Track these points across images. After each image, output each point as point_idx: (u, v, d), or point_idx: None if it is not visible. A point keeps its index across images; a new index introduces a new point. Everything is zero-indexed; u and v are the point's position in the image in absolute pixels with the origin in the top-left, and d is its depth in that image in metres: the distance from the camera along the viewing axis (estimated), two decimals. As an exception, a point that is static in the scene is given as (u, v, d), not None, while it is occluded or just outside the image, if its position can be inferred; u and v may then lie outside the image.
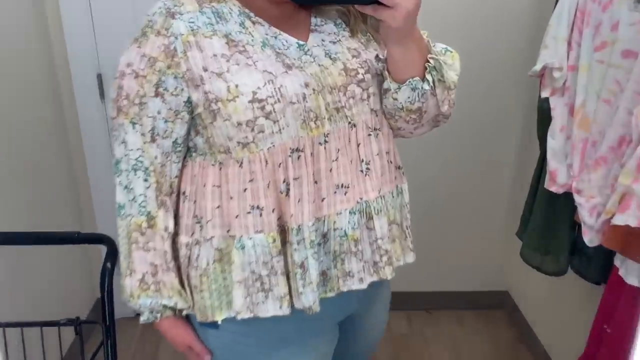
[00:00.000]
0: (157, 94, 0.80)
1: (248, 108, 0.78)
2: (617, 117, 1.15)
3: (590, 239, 1.20)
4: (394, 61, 0.84)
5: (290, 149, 0.81)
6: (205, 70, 0.79)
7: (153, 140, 0.82)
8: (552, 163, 1.40)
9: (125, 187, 0.84)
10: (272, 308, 0.84)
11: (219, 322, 0.86)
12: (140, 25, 0.81)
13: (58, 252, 1.61)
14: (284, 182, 0.82)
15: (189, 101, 0.81)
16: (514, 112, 1.93)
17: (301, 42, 0.85)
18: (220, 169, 0.84)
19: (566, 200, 1.39)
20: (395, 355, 1.95)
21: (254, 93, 0.78)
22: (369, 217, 0.88)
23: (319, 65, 0.84)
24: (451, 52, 0.91)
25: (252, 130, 0.80)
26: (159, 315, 0.86)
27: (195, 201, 0.86)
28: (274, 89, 0.79)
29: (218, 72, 0.79)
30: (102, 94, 1.83)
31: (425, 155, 1.96)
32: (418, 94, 0.86)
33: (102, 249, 0.89)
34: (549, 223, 1.47)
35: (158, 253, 0.85)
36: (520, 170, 1.96)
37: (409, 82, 0.85)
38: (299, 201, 0.82)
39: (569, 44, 1.33)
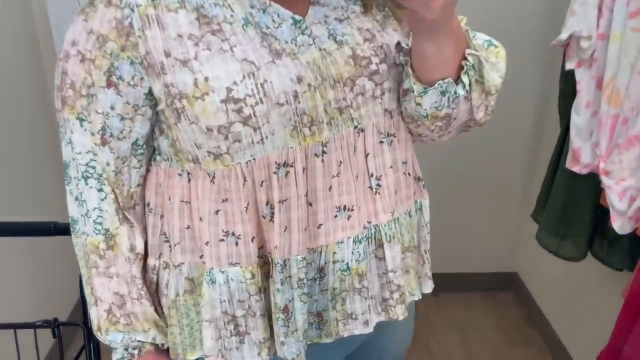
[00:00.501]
0: (109, 84, 0.61)
1: (220, 110, 0.59)
2: (654, 92, 1.05)
3: (620, 225, 1.10)
4: (423, 58, 0.64)
5: (275, 163, 0.63)
6: (168, 55, 0.60)
7: (104, 142, 0.64)
8: (576, 141, 1.29)
9: (77, 198, 0.67)
10: (249, 355, 0.70)
11: None
12: None
13: (36, 245, 1.45)
14: (267, 204, 0.65)
15: (150, 93, 0.62)
16: (531, 86, 1.81)
17: (298, 17, 0.64)
18: (189, 180, 0.66)
19: (589, 182, 1.29)
20: (400, 340, 1.89)
21: (229, 90, 0.59)
22: (379, 244, 0.71)
23: (320, 49, 0.64)
24: (496, 46, 0.70)
25: (226, 138, 0.61)
26: (136, 352, 0.70)
27: (162, 216, 0.70)
28: (256, 85, 0.60)
29: (183, 60, 0.60)
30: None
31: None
32: (449, 98, 0.67)
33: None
34: (569, 205, 1.37)
35: (123, 279, 0.68)
36: (535, 149, 1.86)
37: (439, 84, 0.65)
38: (285, 229, 0.65)
39: (600, 9, 1.20)
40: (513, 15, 1.70)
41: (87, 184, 0.66)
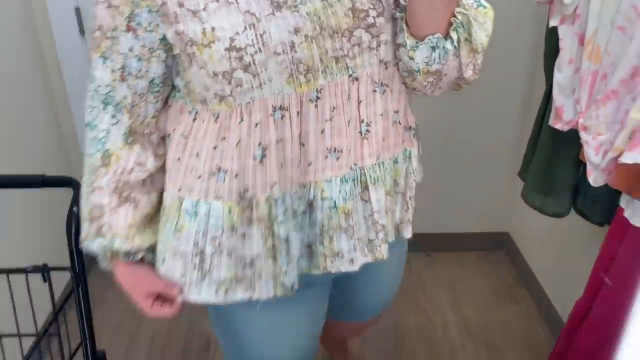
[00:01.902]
0: (128, 29, 0.70)
1: (224, 57, 0.67)
2: (632, 47, 1.05)
3: (594, 178, 1.13)
4: (416, 14, 0.70)
5: (272, 106, 0.70)
6: (181, 6, 0.67)
7: (123, 79, 0.73)
8: (559, 98, 1.30)
9: (88, 124, 0.76)
10: (206, 292, 0.76)
11: None
12: None
13: (28, 198, 1.51)
14: (259, 145, 0.71)
15: (165, 38, 0.70)
16: (522, 46, 1.81)
17: None
18: (195, 119, 0.75)
19: (571, 139, 1.31)
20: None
21: (232, 40, 0.66)
22: (364, 187, 0.77)
23: (324, 2, 0.69)
24: (485, 7, 0.74)
25: (229, 83, 0.69)
26: (101, 256, 0.78)
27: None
28: (255, 35, 0.66)
29: (194, 10, 0.66)
30: (81, 30, 1.72)
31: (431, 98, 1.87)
32: (439, 54, 0.73)
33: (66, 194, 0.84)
34: (552, 162, 1.40)
35: (107, 190, 0.76)
36: (526, 109, 1.87)
37: (429, 39, 0.71)
38: (282, 166, 0.72)
39: (583, -35, 1.21)
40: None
41: (104, 109, 0.75)
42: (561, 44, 1.28)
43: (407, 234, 0.88)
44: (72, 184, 0.82)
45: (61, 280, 0.89)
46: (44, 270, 0.80)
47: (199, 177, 0.74)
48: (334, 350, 1.60)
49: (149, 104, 0.76)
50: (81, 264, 0.80)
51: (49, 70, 1.77)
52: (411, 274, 2.06)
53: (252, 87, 0.69)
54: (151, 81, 0.74)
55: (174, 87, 0.77)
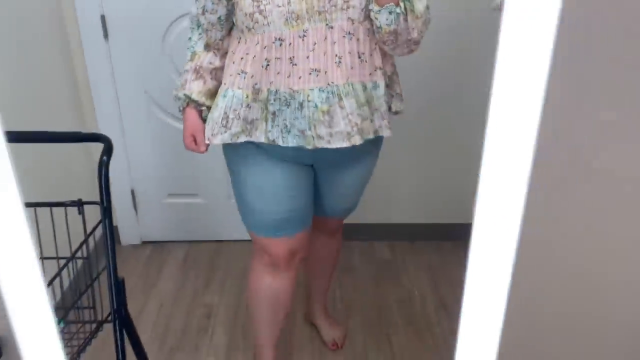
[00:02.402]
0: None
1: (250, 5, 1.11)
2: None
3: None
4: None
5: (274, 37, 1.12)
6: None
7: (203, 13, 1.19)
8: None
9: (189, 37, 1.29)
10: (228, 137, 1.21)
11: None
12: None
13: (62, 151, 1.80)
14: (265, 59, 1.14)
15: None
16: (485, 43, 2.03)
17: None
18: (238, 42, 1.19)
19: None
20: (378, 277, 2.14)
21: None
22: (340, 98, 1.14)
23: None
24: None
25: (252, 20, 1.12)
26: (181, 102, 1.28)
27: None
28: None
29: None
30: (105, 35, 1.97)
31: (413, 89, 2.09)
32: (394, 17, 1.10)
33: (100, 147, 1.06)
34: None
35: (191, 71, 1.27)
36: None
37: (387, 6, 1.10)
38: (278, 73, 1.13)
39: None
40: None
41: (196, 29, 1.27)
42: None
43: (386, 133, 1.24)
44: (103, 139, 1.05)
45: (92, 216, 1.11)
46: (79, 204, 1.02)
47: (231, 75, 1.19)
48: (315, 318, 1.81)
49: (217, 31, 1.22)
50: (108, 200, 1.02)
51: (76, 71, 2.03)
52: (396, 259, 2.26)
53: (263, 24, 1.11)
54: (219, 17, 1.19)
55: (234, 24, 1.20)
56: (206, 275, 2.16)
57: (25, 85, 1.69)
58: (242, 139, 1.21)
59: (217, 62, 1.26)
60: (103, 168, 1.00)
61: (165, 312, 1.96)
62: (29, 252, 0.31)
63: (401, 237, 2.35)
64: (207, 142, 1.25)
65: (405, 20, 1.10)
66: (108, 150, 1.01)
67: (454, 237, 2.33)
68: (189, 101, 1.26)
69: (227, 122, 1.20)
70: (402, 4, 1.09)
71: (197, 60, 1.26)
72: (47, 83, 1.84)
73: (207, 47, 1.26)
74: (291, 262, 1.39)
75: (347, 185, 1.40)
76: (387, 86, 1.26)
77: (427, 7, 1.13)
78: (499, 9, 1.52)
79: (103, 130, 2.01)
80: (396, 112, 1.31)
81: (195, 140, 1.29)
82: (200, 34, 1.26)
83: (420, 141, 2.20)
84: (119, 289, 1.05)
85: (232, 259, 2.23)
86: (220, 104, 1.21)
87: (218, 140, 1.22)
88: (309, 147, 1.16)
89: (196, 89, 1.26)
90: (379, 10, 1.10)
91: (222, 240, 2.31)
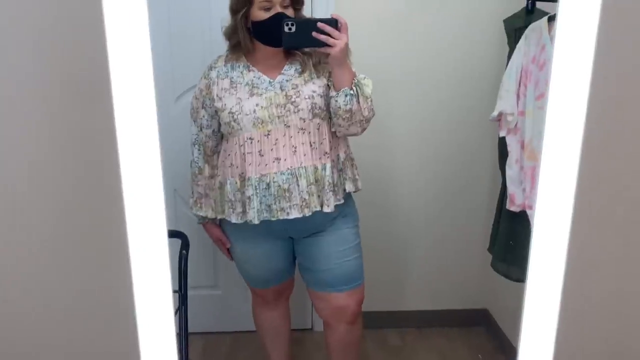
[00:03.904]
0: (203, 107, 1.58)
1: (227, 116, 1.49)
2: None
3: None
4: (336, 77, 1.46)
5: (247, 137, 1.49)
6: (217, 95, 1.53)
7: (201, 129, 1.60)
8: (511, 188, 1.76)
9: (192, 153, 1.66)
10: (234, 218, 1.54)
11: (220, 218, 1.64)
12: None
13: None
14: (243, 153, 1.49)
15: (215, 111, 1.54)
16: (484, 150, 2.30)
17: (271, 80, 1.51)
18: (227, 142, 1.55)
19: (524, 218, 1.74)
20: (391, 365, 2.23)
21: (230, 108, 1.49)
22: (296, 178, 1.48)
23: (275, 92, 1.49)
24: (367, 79, 1.51)
25: (229, 127, 1.50)
26: (201, 220, 1.68)
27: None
28: (240, 107, 1.48)
29: (220, 97, 1.52)
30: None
31: (414, 190, 2.32)
32: (349, 98, 1.44)
33: (178, 242, 1.22)
34: (512, 237, 1.81)
35: (202, 187, 1.65)
36: (491, 200, 2.31)
37: (344, 90, 1.45)
38: (250, 164, 1.49)
39: (518, 95, 1.72)
40: (469, 100, 2.23)
41: (195, 147, 1.65)
42: (509, 149, 1.76)
43: (327, 209, 1.52)
44: (181, 236, 1.21)
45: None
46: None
47: (226, 167, 1.54)
48: None
49: (213, 141, 1.62)
50: (186, 288, 1.16)
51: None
52: (407, 345, 2.37)
53: (237, 129, 1.49)
54: (213, 130, 1.60)
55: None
56: (226, 366, 2.22)
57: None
58: (233, 219, 1.54)
59: (210, 171, 1.65)
60: (183, 260, 1.15)
61: None
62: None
63: (410, 324, 2.47)
64: (227, 218, 1.59)
65: (358, 101, 1.45)
66: (186, 245, 1.17)
67: (461, 323, 2.47)
68: (207, 220, 1.67)
69: (232, 203, 1.53)
70: (354, 88, 1.45)
71: (204, 173, 1.64)
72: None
73: (205, 158, 1.64)
74: (279, 300, 1.85)
75: (327, 252, 1.62)
76: (341, 170, 1.58)
77: (371, 94, 1.49)
78: (495, 119, 1.78)
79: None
80: (351, 192, 1.63)
81: (222, 243, 1.69)
82: (199, 149, 1.63)
83: (422, 234, 2.39)
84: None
85: (251, 348, 2.30)
86: (226, 191, 1.55)
87: (232, 219, 1.54)
88: (273, 218, 1.50)
89: (210, 210, 1.64)
90: (337, 94, 1.45)
91: (240, 331, 2.39)
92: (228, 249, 1.72)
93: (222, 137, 1.61)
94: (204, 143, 1.61)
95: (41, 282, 0.76)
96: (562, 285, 0.90)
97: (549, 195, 0.86)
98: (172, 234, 1.25)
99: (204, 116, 1.57)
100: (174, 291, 1.15)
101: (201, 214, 1.66)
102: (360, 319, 1.76)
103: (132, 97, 0.63)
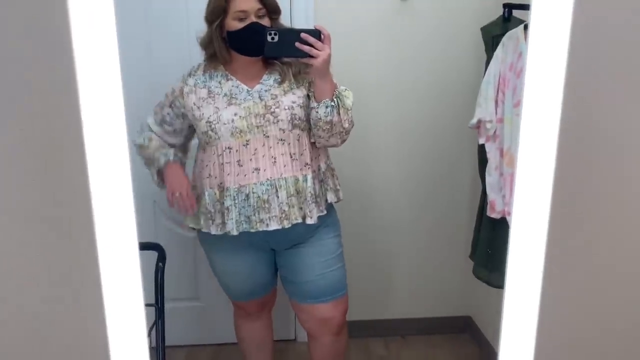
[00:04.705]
0: (170, 106, 1.56)
1: (205, 125, 1.47)
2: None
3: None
4: (317, 89, 1.44)
5: (225, 147, 1.46)
6: (194, 104, 1.50)
7: (161, 125, 1.58)
8: (491, 195, 1.77)
9: (137, 137, 1.61)
10: (214, 230, 1.50)
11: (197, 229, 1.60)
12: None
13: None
14: (221, 163, 1.47)
15: (183, 114, 1.54)
16: (464, 157, 2.31)
17: (249, 89, 1.50)
18: (204, 151, 1.52)
19: (504, 224, 1.75)
20: (375, 374, 2.22)
21: (208, 117, 1.47)
22: (276, 189, 1.46)
23: (253, 102, 1.47)
24: (348, 90, 1.50)
25: (207, 136, 1.48)
26: (161, 164, 1.53)
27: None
28: (217, 117, 1.46)
29: (198, 106, 1.50)
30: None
31: (395, 198, 2.32)
32: (330, 110, 1.43)
33: (154, 254, 1.20)
34: (492, 243, 1.82)
35: (152, 149, 1.58)
36: (471, 207, 2.32)
37: (324, 101, 1.44)
38: (228, 174, 1.46)
39: (496, 102, 1.73)
40: (449, 108, 2.24)
41: (144, 133, 1.61)
42: (488, 156, 1.77)
43: (309, 220, 1.50)
44: (157, 248, 1.19)
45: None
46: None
47: (205, 178, 1.51)
48: None
49: (173, 138, 1.60)
50: (162, 302, 1.14)
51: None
52: (390, 354, 2.35)
53: (215, 138, 1.47)
54: (174, 130, 1.58)
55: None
56: (208, 379, 2.19)
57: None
58: (213, 230, 1.51)
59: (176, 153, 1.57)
60: (159, 272, 1.13)
61: None
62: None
63: (395, 333, 2.46)
64: (202, 229, 1.56)
65: (338, 113, 1.44)
66: (162, 258, 1.15)
67: (446, 330, 2.46)
68: (171, 160, 1.52)
69: (210, 214, 1.50)
70: (335, 100, 1.44)
71: (153, 143, 1.57)
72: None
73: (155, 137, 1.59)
74: (262, 311, 1.83)
75: (309, 263, 1.60)
76: (322, 181, 1.57)
77: (352, 106, 1.49)
78: (474, 127, 1.80)
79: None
80: (332, 203, 1.62)
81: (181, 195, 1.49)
82: (148, 131, 1.59)
83: (406, 243, 2.39)
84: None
85: (233, 361, 2.28)
86: (204, 201, 1.52)
87: (210, 230, 1.51)
88: (253, 230, 1.47)
89: (171, 151, 1.54)
90: (318, 105, 1.44)
91: (222, 343, 2.36)
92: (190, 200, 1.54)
93: (186, 143, 1.64)
94: (155, 133, 1.59)
95: (7, 292, 0.73)
96: (540, 289, 0.89)
97: (525, 200, 0.85)
98: (148, 246, 1.23)
99: (168, 113, 1.56)
100: (151, 305, 1.13)
101: (164, 159, 1.53)
102: (345, 330, 1.75)
103: (100, 103, 0.62)
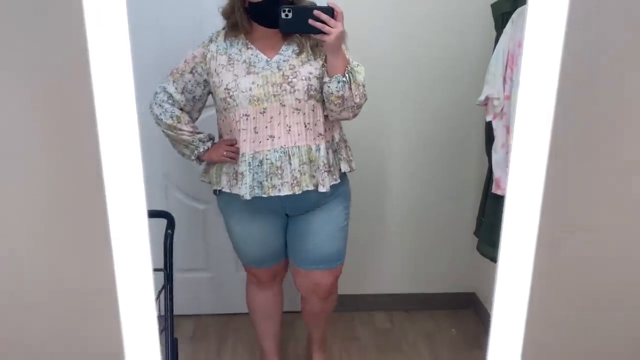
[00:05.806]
0: (191, 72, 1.58)
1: (223, 92, 1.51)
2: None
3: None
4: (330, 64, 1.48)
5: (242, 114, 1.51)
6: (215, 70, 1.54)
7: (182, 92, 1.59)
8: (497, 172, 1.78)
9: (158, 109, 1.61)
10: (235, 190, 1.56)
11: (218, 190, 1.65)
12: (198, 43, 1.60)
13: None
14: (238, 130, 1.53)
15: (205, 81, 1.58)
16: (472, 134, 2.32)
17: (268, 59, 1.53)
18: (223, 121, 1.59)
19: (509, 202, 1.76)
20: (380, 345, 2.27)
21: (227, 84, 1.51)
22: (288, 157, 1.52)
23: (271, 71, 1.51)
24: (360, 66, 1.54)
25: (225, 102, 1.52)
26: (204, 147, 1.63)
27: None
28: (236, 84, 1.50)
29: (217, 72, 1.53)
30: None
31: (402, 174, 2.34)
32: (341, 85, 1.46)
33: (163, 222, 1.24)
34: (498, 220, 1.84)
35: (188, 133, 1.62)
36: (478, 184, 2.33)
37: (336, 77, 1.47)
38: (244, 140, 1.52)
39: (504, 79, 1.73)
40: (457, 85, 2.24)
41: (164, 103, 1.60)
42: (495, 133, 1.78)
43: (322, 188, 1.56)
44: (167, 216, 1.23)
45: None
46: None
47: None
48: (313, 354, 2.04)
49: (190, 106, 1.62)
50: (171, 267, 1.18)
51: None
52: (394, 327, 2.40)
53: (233, 105, 1.51)
54: (194, 97, 1.60)
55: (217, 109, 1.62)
56: (217, 346, 2.25)
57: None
58: (235, 190, 1.57)
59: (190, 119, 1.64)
60: (168, 239, 1.18)
61: None
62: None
63: (399, 307, 2.51)
64: (223, 189, 1.63)
65: (350, 88, 1.47)
66: (172, 225, 1.19)
67: (449, 306, 2.51)
68: (209, 147, 1.63)
69: (232, 176, 1.58)
70: (347, 75, 1.46)
71: (184, 120, 1.59)
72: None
73: (179, 109, 1.60)
74: (273, 281, 1.87)
75: (316, 229, 1.67)
76: (335, 151, 1.62)
77: (364, 81, 1.51)
78: (482, 104, 1.80)
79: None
80: (345, 173, 1.68)
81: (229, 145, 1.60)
82: (171, 103, 1.58)
83: (413, 218, 2.42)
84: (173, 346, 1.19)
85: (242, 329, 2.34)
86: (225, 163, 1.61)
87: (235, 190, 1.58)
88: (265, 195, 1.53)
89: (205, 136, 1.63)
90: (330, 80, 1.47)
91: (230, 313, 2.42)
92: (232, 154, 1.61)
93: (201, 109, 1.67)
94: (178, 102, 1.58)
95: (21, 265, 0.77)
96: (532, 265, 0.92)
97: (521, 176, 0.87)
98: (157, 213, 1.27)
99: (189, 80, 1.58)
100: (159, 269, 1.18)
101: (204, 147, 1.63)
102: (334, 295, 1.86)
103: (110, 71, 0.65)
